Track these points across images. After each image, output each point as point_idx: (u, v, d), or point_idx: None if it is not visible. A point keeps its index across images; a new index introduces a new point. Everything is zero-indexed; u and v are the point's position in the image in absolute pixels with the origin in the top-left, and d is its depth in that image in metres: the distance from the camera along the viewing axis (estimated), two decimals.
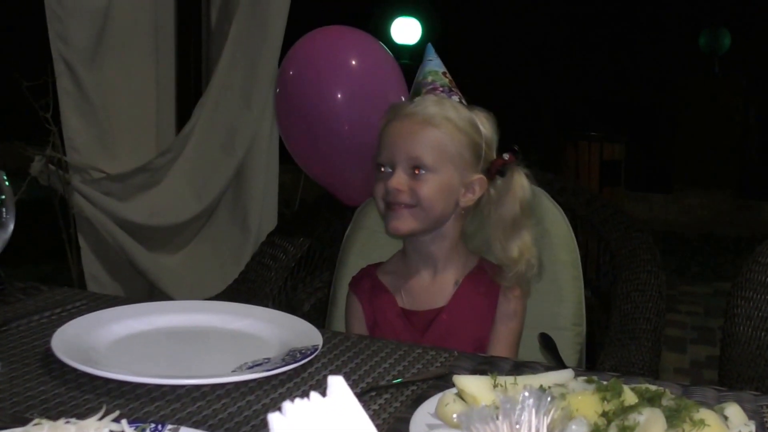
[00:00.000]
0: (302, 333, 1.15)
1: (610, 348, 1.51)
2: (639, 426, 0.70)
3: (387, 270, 1.56)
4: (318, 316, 1.77)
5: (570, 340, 1.70)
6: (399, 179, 1.44)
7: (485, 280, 1.50)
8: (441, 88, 1.52)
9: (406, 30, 9.36)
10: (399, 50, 9.11)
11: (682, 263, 5.81)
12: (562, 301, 1.69)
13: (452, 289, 1.50)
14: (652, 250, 1.76)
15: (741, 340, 1.54)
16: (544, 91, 8.49)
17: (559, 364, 1.03)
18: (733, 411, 0.79)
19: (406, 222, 1.45)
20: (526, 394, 0.59)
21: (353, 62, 1.82)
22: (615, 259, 1.77)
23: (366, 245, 1.73)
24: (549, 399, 0.59)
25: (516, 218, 1.48)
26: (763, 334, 1.53)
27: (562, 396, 0.74)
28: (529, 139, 7.69)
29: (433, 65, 1.55)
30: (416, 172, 1.45)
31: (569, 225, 1.77)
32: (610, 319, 1.64)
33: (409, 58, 9.02)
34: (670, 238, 6.76)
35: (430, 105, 1.47)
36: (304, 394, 0.60)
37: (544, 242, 1.74)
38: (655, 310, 1.63)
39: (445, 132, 1.46)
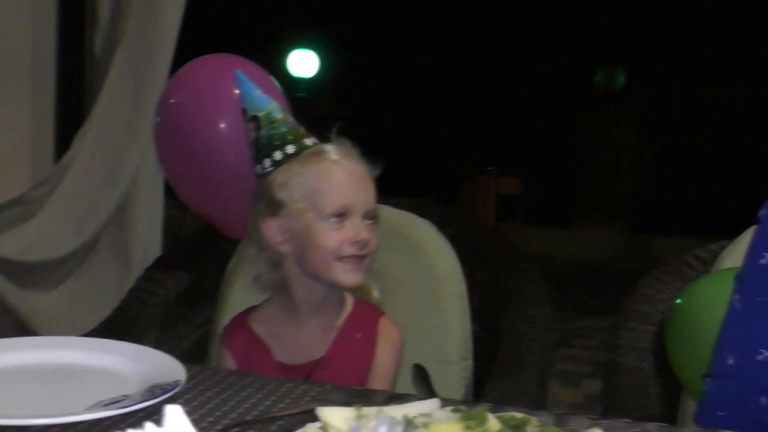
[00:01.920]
0: (166, 369, 1.12)
1: (495, 381, 1.54)
2: None
3: (262, 318, 1.52)
4: (199, 353, 1.74)
5: (457, 375, 1.72)
6: (367, 230, 1.44)
7: (363, 321, 1.51)
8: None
9: (304, 63, 9.40)
10: (296, 83, 9.13)
11: (579, 298, 5.97)
12: (448, 334, 1.72)
13: (331, 336, 1.49)
14: (540, 283, 1.80)
15: (624, 371, 1.59)
16: (442, 125, 8.65)
17: (431, 396, 1.04)
18: None
19: (362, 273, 1.46)
20: (378, 422, 0.59)
21: (238, 91, 1.82)
22: (503, 293, 1.81)
23: (250, 280, 1.72)
24: (401, 428, 0.60)
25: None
26: (644, 364, 1.59)
27: (426, 425, 0.75)
28: (427, 173, 7.82)
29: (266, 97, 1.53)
30: (366, 222, 1.45)
31: (456, 258, 1.80)
32: (497, 353, 1.66)
33: (306, 91, 9.05)
34: (569, 272, 6.95)
35: (353, 153, 1.48)
36: None
37: (430, 276, 1.76)
38: (542, 342, 1.67)
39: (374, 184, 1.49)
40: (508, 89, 8.89)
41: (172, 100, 1.83)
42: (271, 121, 1.48)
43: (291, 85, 9.02)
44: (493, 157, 6.45)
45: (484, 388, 1.59)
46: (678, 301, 1.53)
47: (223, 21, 8.01)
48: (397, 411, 0.79)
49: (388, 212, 1.83)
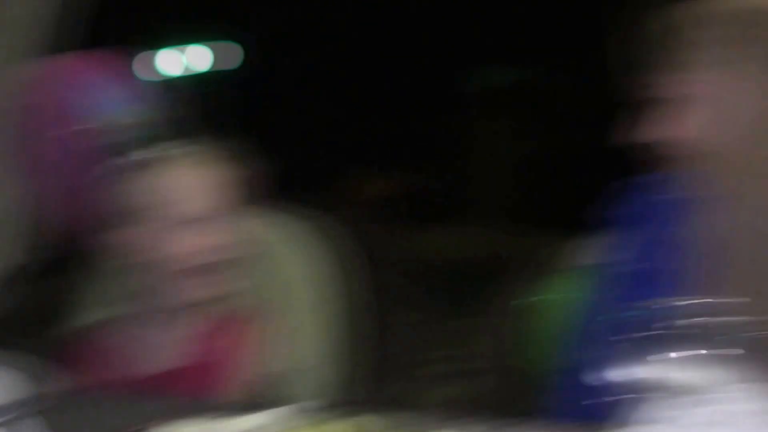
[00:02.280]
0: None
1: (362, 386, 1.56)
2: None
3: (119, 330, 1.53)
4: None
5: (321, 380, 1.74)
6: (216, 238, 1.46)
7: (224, 328, 1.51)
8: None
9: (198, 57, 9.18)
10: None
11: (460, 298, 6.09)
12: (316, 341, 1.73)
13: (190, 344, 1.48)
14: (409, 284, 1.84)
15: (492, 369, 1.64)
16: (324, 125, 8.67)
17: (279, 403, 1.06)
18: None
19: (212, 281, 1.47)
20: None
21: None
22: (372, 296, 1.84)
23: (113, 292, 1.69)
24: None
25: None
26: (508, 362, 1.64)
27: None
28: (305, 175, 7.82)
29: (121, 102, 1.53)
30: (218, 228, 1.47)
31: (322, 262, 1.81)
32: (367, 358, 1.69)
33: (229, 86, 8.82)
34: (452, 272, 7.06)
35: (208, 158, 1.48)
36: None
37: (296, 282, 1.77)
38: (411, 345, 1.70)
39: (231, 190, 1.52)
40: (391, 84, 8.96)
41: (22, 103, 1.78)
42: (125, 126, 1.46)
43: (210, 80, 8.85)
44: (375, 156, 6.51)
45: (353, 391, 1.61)
46: (538, 297, 1.59)
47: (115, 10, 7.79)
48: (245, 422, 0.80)
49: (250, 216, 1.84)
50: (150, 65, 8.86)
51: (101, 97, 1.50)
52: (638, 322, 0.84)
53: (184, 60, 9.16)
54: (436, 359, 4.49)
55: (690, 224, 1.26)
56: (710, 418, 0.72)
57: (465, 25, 8.80)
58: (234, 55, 8.88)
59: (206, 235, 1.42)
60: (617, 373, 0.84)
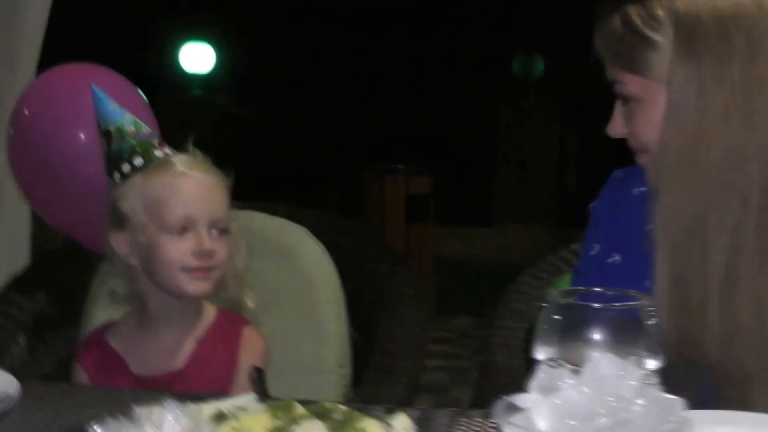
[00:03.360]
0: None
1: (365, 386, 1.65)
2: None
3: (119, 332, 1.63)
4: (63, 377, 1.81)
5: (335, 382, 1.83)
6: (213, 240, 1.55)
7: (225, 331, 1.61)
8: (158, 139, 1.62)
9: (198, 57, 9.15)
10: (190, 80, 9.01)
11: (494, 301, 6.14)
12: (324, 342, 1.82)
13: (190, 348, 1.59)
14: (415, 284, 1.92)
15: (496, 369, 1.72)
16: (346, 122, 8.74)
17: (264, 396, 1.14)
18: (400, 420, 0.95)
19: (209, 283, 1.56)
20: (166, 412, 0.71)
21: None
22: (379, 296, 1.92)
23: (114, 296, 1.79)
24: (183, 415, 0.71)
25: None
26: (516, 362, 1.72)
27: (235, 416, 0.88)
28: (329, 174, 7.92)
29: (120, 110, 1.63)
30: (213, 233, 1.56)
31: (332, 263, 1.90)
32: (372, 358, 1.78)
33: (201, 89, 8.92)
34: (489, 274, 7.12)
35: (203, 163, 1.58)
36: None
37: (305, 283, 1.87)
38: (415, 345, 1.79)
39: (226, 194, 1.61)
40: (416, 81, 9.02)
41: (26, 112, 1.89)
42: (122, 134, 1.58)
43: (184, 82, 8.89)
44: (403, 155, 6.59)
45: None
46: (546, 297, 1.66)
47: (105, 12, 7.93)
48: (213, 406, 0.90)
49: (260, 219, 1.94)
50: (170, 61, 8.91)
51: (105, 106, 1.61)
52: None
53: (209, 54, 9.09)
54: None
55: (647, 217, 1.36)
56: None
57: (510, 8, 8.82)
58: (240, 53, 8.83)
59: (198, 238, 1.53)
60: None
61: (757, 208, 1.29)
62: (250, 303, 1.69)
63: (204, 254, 1.53)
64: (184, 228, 1.53)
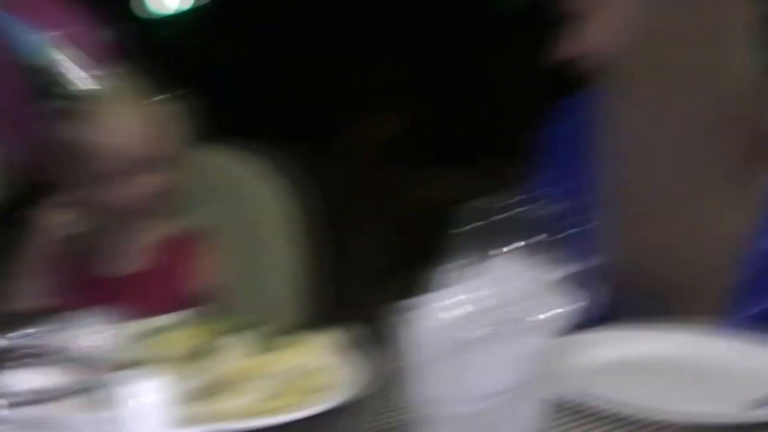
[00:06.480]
0: None
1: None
2: (218, 349, 0.91)
3: (77, 237, 1.73)
4: None
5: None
6: (158, 173, 1.67)
7: (181, 239, 1.69)
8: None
9: None
10: (155, 22, 8.84)
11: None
12: (277, 276, 1.90)
13: (150, 251, 1.67)
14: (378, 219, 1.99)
15: None
16: (312, 61, 8.65)
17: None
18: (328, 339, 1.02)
19: (163, 206, 1.72)
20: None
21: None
22: (338, 232, 1.99)
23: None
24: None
25: None
26: None
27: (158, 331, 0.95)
28: (297, 117, 7.89)
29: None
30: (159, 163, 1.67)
31: (287, 198, 1.97)
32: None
33: (170, 31, 8.74)
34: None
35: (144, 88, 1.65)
36: None
37: (258, 216, 1.94)
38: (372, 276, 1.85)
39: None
40: (388, 13, 8.90)
41: None
42: (49, 67, 1.62)
43: (149, 25, 8.74)
44: (378, 95, 6.59)
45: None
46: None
47: None
48: (145, 323, 0.98)
49: (216, 153, 1.99)
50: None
51: (28, 37, 1.64)
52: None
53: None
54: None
55: (597, 142, 1.40)
56: None
57: None
58: None
59: (142, 171, 1.60)
60: None
61: (701, 127, 1.33)
62: (196, 222, 1.76)
63: (150, 186, 1.61)
64: (127, 162, 1.61)
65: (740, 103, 1.33)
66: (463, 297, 0.89)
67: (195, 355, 0.91)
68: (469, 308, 0.88)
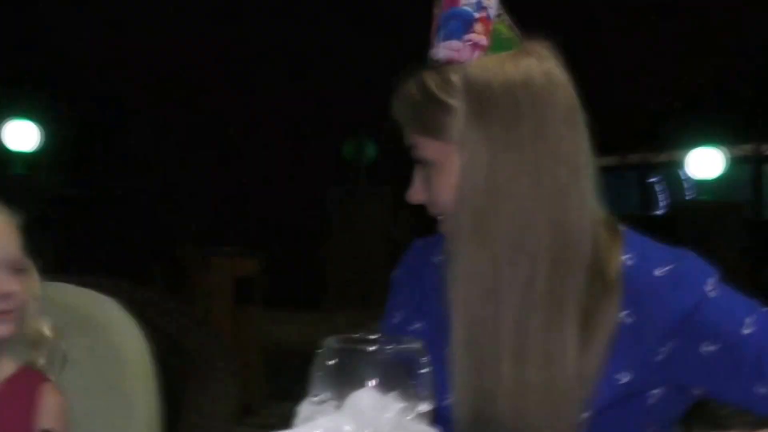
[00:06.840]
0: None
1: None
2: None
3: None
4: None
5: None
6: (10, 282, 1.59)
7: (24, 385, 1.64)
8: None
9: (21, 134, 8.98)
10: (13, 158, 8.80)
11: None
12: (131, 417, 1.86)
13: None
14: (228, 361, 2.01)
15: None
16: (173, 203, 8.71)
17: None
18: None
19: (9, 325, 1.60)
20: None
21: None
22: (190, 369, 2.00)
23: None
24: None
25: None
26: None
27: None
28: (152, 255, 7.85)
29: None
30: (8, 274, 1.59)
31: (142, 338, 1.95)
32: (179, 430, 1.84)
33: (27, 168, 8.72)
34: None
35: None
36: None
37: (113, 356, 1.91)
38: (225, 416, 1.87)
39: (18, 233, 1.64)
40: (241, 159, 9.07)
41: None
42: None
43: (7, 161, 8.68)
44: (230, 236, 6.64)
45: None
46: None
47: None
48: None
49: (69, 290, 1.97)
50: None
51: None
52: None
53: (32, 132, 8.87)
54: None
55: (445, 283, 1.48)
56: None
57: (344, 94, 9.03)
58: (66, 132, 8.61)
59: (3, 279, 1.57)
60: None
61: (546, 268, 1.38)
62: (41, 360, 1.70)
63: (2, 297, 1.57)
64: None
65: (581, 249, 1.41)
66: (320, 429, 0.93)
67: None
68: None
